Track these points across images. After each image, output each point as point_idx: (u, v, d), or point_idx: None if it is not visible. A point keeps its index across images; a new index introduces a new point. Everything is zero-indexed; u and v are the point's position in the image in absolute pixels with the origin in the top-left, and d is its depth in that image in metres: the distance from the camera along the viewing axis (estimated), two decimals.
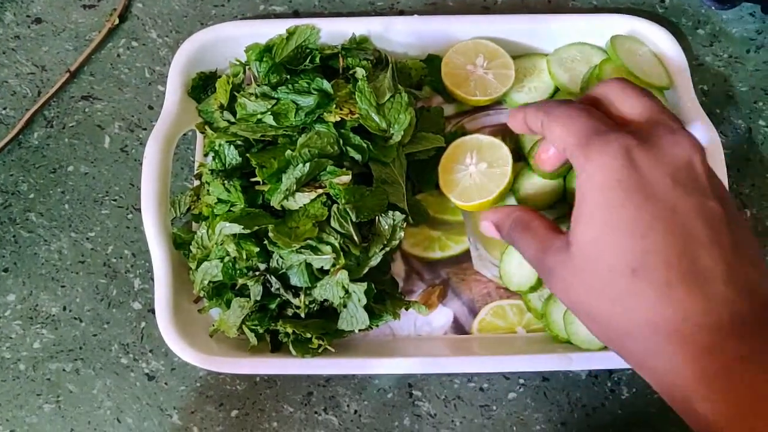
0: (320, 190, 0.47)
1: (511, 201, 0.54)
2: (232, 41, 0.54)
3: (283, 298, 0.49)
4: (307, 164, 0.47)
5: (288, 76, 0.51)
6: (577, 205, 0.36)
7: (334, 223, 0.47)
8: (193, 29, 0.56)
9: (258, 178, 0.47)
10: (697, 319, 0.32)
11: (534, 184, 0.53)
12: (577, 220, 0.36)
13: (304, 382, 0.53)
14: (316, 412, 0.53)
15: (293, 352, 0.49)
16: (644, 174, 0.34)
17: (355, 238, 0.47)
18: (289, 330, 0.48)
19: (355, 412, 0.53)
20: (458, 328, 0.53)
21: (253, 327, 0.49)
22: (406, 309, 0.52)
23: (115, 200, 0.57)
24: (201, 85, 0.54)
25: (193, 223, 0.54)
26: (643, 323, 0.33)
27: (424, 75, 0.55)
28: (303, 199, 0.47)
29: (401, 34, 0.54)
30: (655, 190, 0.34)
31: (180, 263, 0.52)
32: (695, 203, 0.34)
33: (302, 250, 0.47)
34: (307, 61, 0.52)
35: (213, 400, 0.53)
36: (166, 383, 0.54)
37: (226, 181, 0.48)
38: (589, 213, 0.35)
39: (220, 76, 0.54)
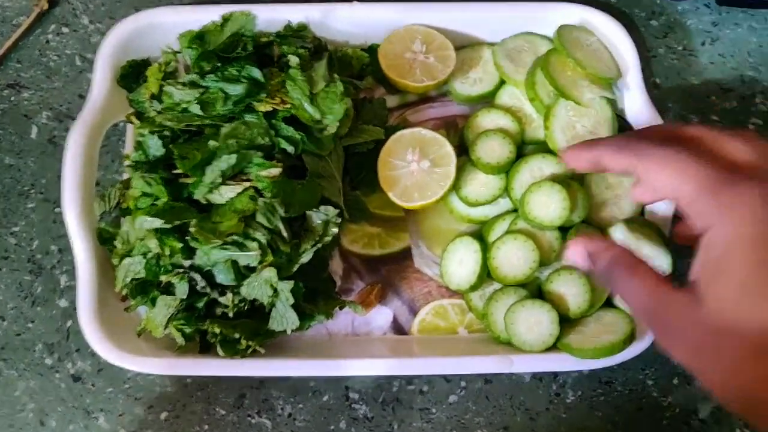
0: (247, 184, 0.45)
1: (454, 198, 0.52)
2: (165, 28, 0.51)
3: (210, 296, 0.47)
4: (233, 156, 0.44)
5: (219, 64, 0.49)
6: (716, 261, 0.32)
7: (260, 218, 0.45)
8: (128, 15, 0.54)
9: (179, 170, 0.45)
10: None
11: (477, 180, 0.51)
12: (715, 278, 0.32)
13: (236, 384, 0.51)
14: (249, 415, 0.51)
15: (221, 352, 0.47)
16: None
17: (284, 234, 0.45)
18: (217, 330, 0.46)
19: (290, 415, 0.51)
20: (398, 328, 0.51)
21: (180, 327, 0.47)
22: (341, 308, 0.50)
23: (41, 193, 0.54)
24: (132, 74, 0.52)
25: (122, 218, 0.52)
26: None
27: (365, 64, 0.53)
28: (228, 192, 0.45)
29: (341, 22, 0.52)
30: None
31: (108, 260, 0.49)
32: None
33: (227, 247, 0.44)
34: (240, 48, 0.50)
35: (142, 402, 0.51)
36: (92, 384, 0.51)
37: (146, 174, 0.45)
38: (731, 271, 0.31)
39: (152, 65, 0.51)
